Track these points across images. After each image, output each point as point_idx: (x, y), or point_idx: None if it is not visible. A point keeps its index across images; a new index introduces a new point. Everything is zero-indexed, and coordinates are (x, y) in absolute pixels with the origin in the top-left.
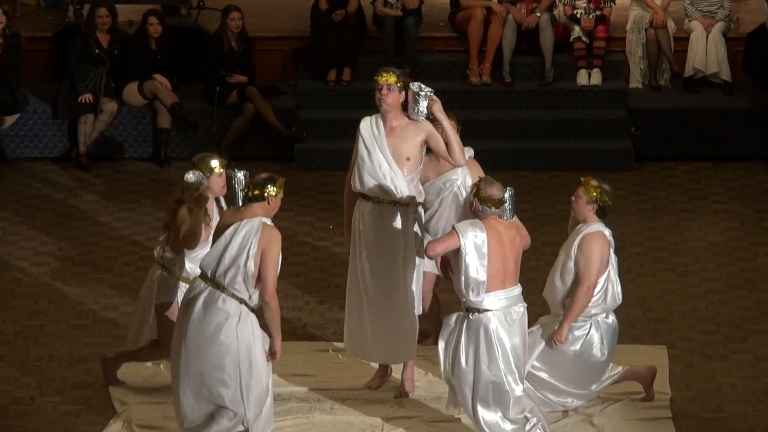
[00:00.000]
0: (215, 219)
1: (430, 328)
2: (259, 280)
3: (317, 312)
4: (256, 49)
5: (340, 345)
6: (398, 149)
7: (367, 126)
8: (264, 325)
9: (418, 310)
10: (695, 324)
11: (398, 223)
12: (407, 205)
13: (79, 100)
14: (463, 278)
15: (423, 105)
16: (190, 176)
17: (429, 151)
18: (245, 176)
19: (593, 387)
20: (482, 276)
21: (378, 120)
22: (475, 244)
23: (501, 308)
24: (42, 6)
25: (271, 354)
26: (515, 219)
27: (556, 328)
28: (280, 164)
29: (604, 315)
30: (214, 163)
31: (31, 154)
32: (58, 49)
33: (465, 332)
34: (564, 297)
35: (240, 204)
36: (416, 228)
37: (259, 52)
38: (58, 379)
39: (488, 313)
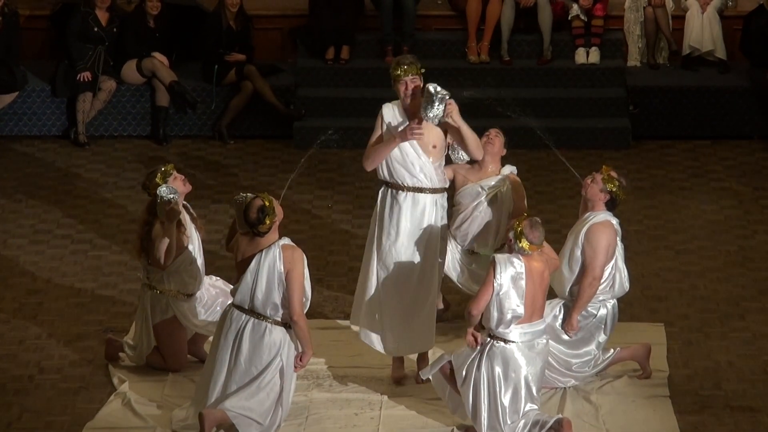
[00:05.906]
0: (189, 227)
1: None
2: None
3: (315, 290)
4: (254, 27)
5: (340, 323)
6: (424, 138)
7: (390, 114)
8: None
9: (438, 298)
10: (693, 302)
11: (428, 209)
12: (436, 192)
13: (78, 79)
14: (496, 314)
15: (439, 109)
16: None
17: (472, 162)
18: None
19: (590, 348)
20: (521, 309)
21: (399, 108)
22: (512, 278)
23: (525, 341)
24: None
25: (300, 362)
26: (544, 244)
27: (557, 312)
28: (279, 142)
29: (611, 300)
30: (159, 175)
31: (29, 133)
32: (57, 27)
33: (486, 357)
34: (571, 285)
35: (248, 230)
36: (443, 214)
37: (257, 31)
38: (57, 357)
39: (512, 344)
